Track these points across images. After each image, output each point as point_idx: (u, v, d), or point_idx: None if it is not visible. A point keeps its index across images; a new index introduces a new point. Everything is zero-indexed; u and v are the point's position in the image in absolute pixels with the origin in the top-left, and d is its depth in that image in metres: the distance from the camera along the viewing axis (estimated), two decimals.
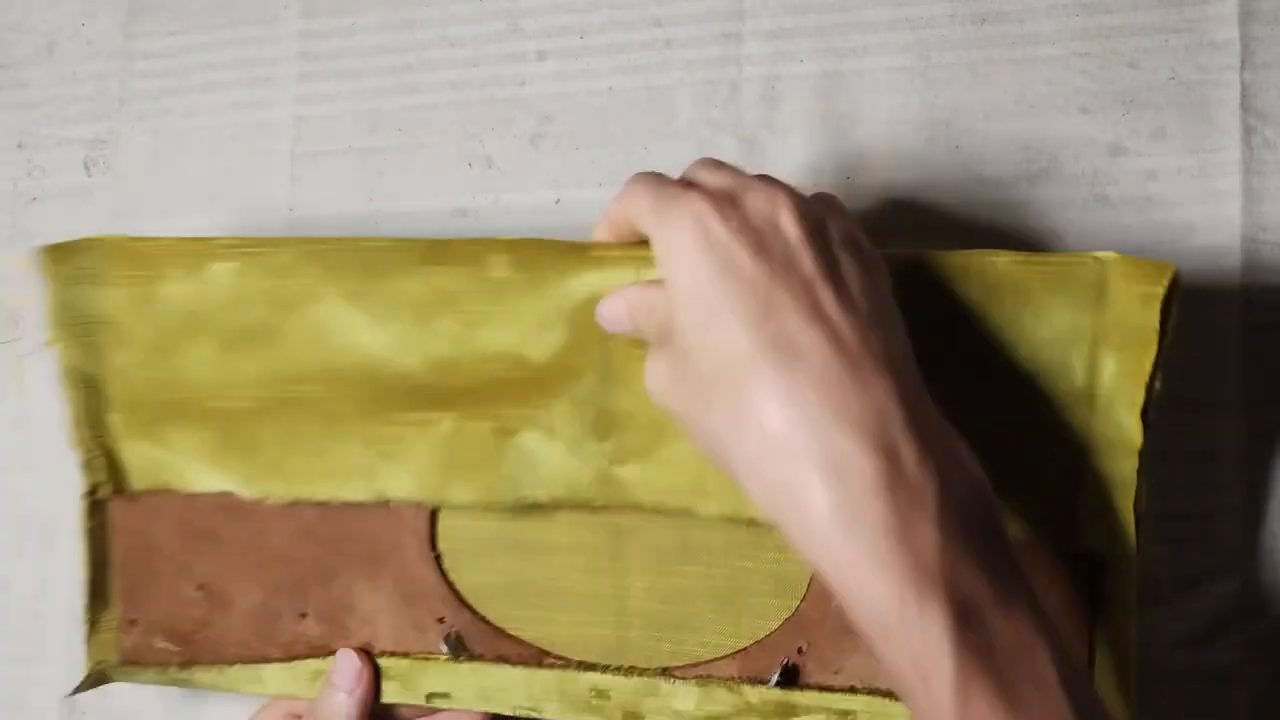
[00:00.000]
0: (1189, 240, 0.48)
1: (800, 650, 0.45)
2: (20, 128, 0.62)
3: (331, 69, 0.59)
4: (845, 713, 0.44)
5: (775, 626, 0.45)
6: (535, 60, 0.56)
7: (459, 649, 0.47)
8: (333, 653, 0.48)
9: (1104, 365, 0.41)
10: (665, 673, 0.46)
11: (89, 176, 0.61)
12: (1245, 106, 0.48)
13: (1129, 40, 0.50)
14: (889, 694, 0.44)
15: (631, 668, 0.46)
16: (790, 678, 0.45)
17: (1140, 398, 0.41)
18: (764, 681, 0.45)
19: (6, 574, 0.57)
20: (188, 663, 0.49)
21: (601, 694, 0.46)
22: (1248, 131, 0.48)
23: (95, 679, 0.50)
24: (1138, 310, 0.41)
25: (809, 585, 0.45)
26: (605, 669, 0.46)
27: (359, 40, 0.59)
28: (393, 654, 0.47)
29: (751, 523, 0.44)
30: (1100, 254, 0.41)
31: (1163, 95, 0.49)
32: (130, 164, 0.60)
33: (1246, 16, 0.49)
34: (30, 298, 0.60)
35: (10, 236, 0.61)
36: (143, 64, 0.61)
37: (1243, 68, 0.48)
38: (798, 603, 0.45)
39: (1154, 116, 0.49)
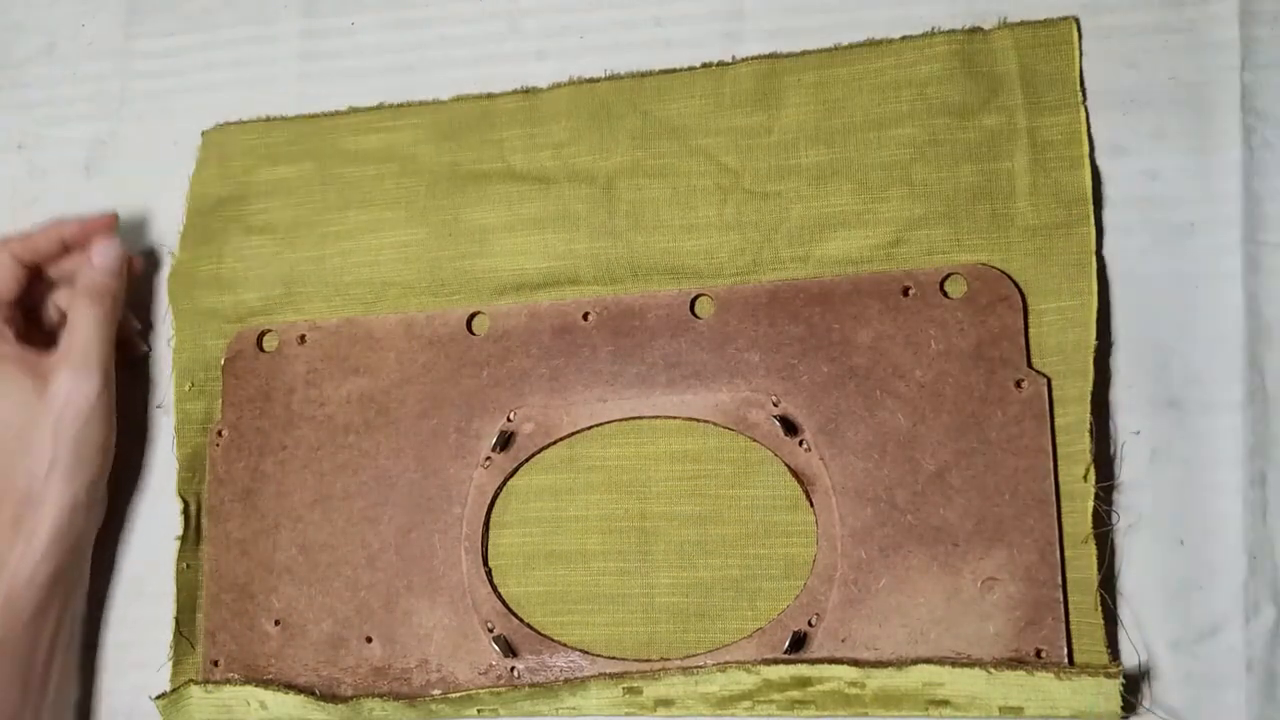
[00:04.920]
0: (1189, 240, 0.48)
1: (810, 623, 0.48)
2: (20, 128, 0.62)
3: (331, 69, 0.59)
4: (855, 683, 0.46)
5: (787, 605, 0.48)
6: (535, 60, 0.56)
7: (508, 651, 0.50)
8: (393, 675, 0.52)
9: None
10: (690, 660, 0.49)
11: (89, 177, 0.61)
12: (1245, 106, 0.48)
13: (1129, 40, 0.50)
14: (895, 664, 0.46)
15: (662, 659, 0.49)
16: (799, 645, 0.47)
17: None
18: (777, 652, 0.48)
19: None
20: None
21: (633, 689, 0.48)
22: (1248, 131, 0.48)
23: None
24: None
25: (814, 564, 0.48)
26: (637, 669, 0.49)
27: (359, 40, 0.59)
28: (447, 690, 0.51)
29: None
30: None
31: (1163, 95, 0.49)
32: (130, 164, 0.60)
33: (1246, 16, 0.49)
34: None
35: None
36: (143, 64, 0.61)
37: (1243, 68, 0.48)
38: (805, 581, 0.48)
39: (1154, 116, 0.49)
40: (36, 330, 0.55)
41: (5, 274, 0.53)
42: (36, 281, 0.55)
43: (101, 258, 0.52)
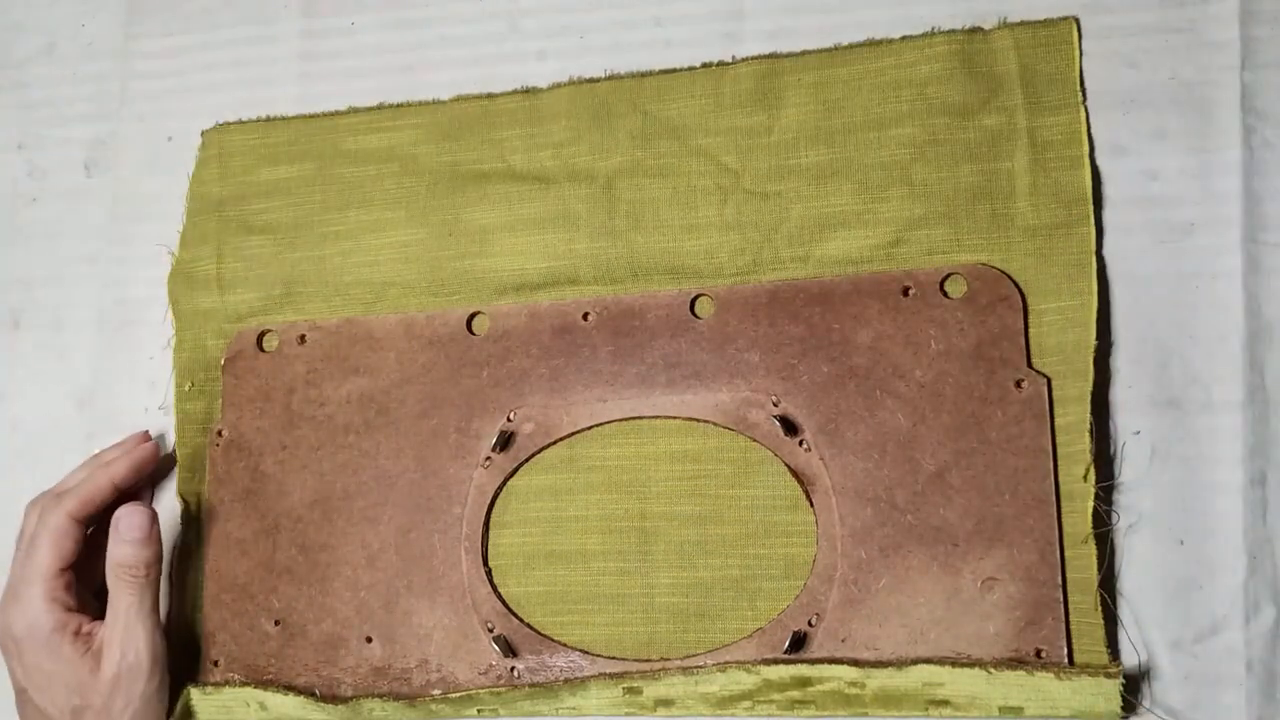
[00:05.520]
0: (1189, 240, 0.48)
1: (810, 623, 0.48)
2: (20, 128, 0.62)
3: (331, 69, 0.59)
4: (855, 683, 0.46)
5: (787, 605, 0.48)
6: (535, 60, 0.56)
7: (508, 651, 0.50)
8: (394, 674, 0.52)
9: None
10: (690, 660, 0.49)
11: (89, 177, 0.61)
12: (1245, 106, 0.48)
13: (1129, 40, 0.50)
14: (895, 664, 0.46)
15: (662, 659, 0.49)
16: (799, 645, 0.47)
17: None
18: (777, 652, 0.48)
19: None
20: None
21: (633, 689, 0.48)
22: (1248, 131, 0.48)
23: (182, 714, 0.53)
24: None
25: (814, 564, 0.48)
26: (637, 669, 0.49)
27: (359, 40, 0.59)
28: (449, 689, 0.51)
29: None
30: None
31: (1163, 95, 0.49)
32: (130, 164, 0.60)
33: (1246, 16, 0.49)
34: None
35: (10, 236, 0.61)
36: (143, 64, 0.61)
37: (1243, 68, 0.48)
38: (805, 581, 0.48)
39: (1154, 116, 0.49)
40: (93, 584, 0.53)
41: (64, 539, 0.51)
42: (93, 533, 0.53)
43: (128, 529, 0.50)
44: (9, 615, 0.51)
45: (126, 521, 0.51)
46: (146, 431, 0.56)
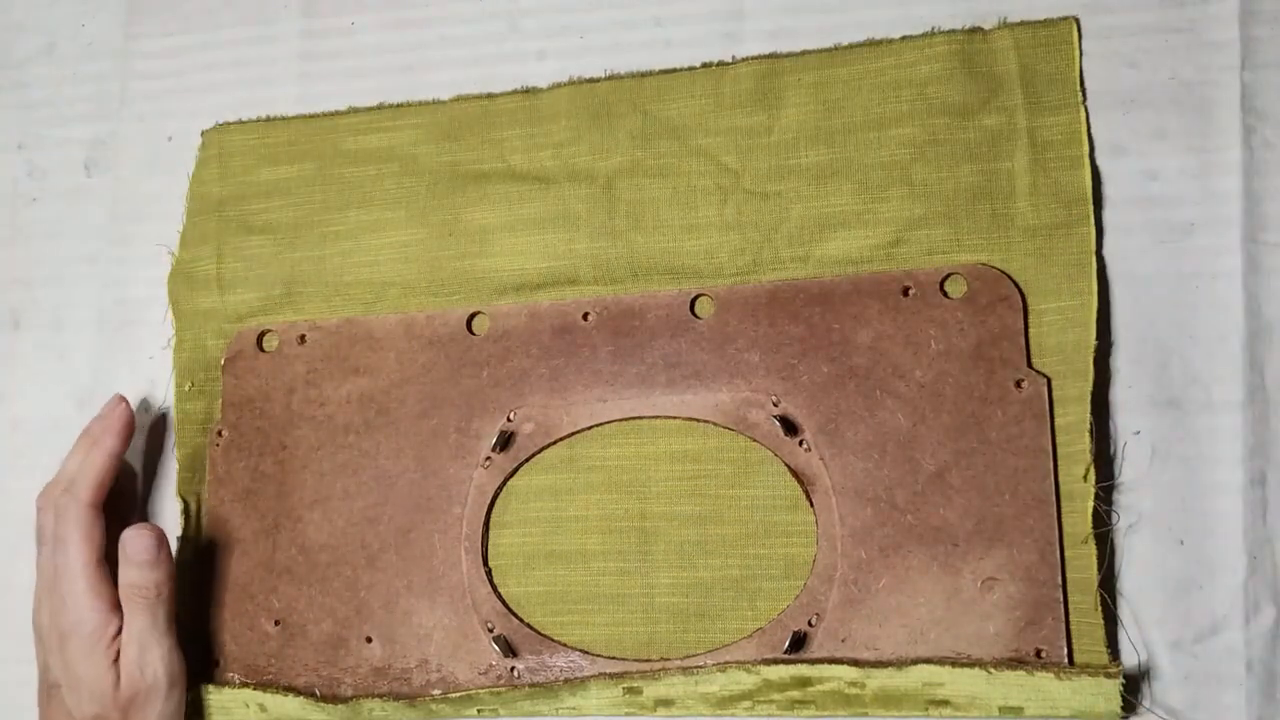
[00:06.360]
0: (1189, 240, 0.48)
1: (810, 623, 0.48)
2: (20, 128, 0.62)
3: (331, 69, 0.59)
4: (855, 683, 0.46)
5: (787, 605, 0.48)
6: (535, 60, 0.56)
7: (508, 651, 0.50)
8: (393, 674, 0.52)
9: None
10: (690, 660, 0.49)
11: (89, 177, 0.61)
12: (1245, 106, 0.48)
13: (1129, 40, 0.50)
14: (895, 664, 0.46)
15: (662, 659, 0.49)
16: (799, 645, 0.47)
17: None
18: (777, 652, 0.48)
19: (6, 574, 0.57)
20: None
21: (633, 689, 0.48)
22: (1248, 131, 0.48)
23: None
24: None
25: (814, 564, 0.48)
26: (637, 669, 0.49)
27: (359, 40, 0.59)
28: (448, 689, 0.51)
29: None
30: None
31: (1163, 95, 0.49)
32: (130, 164, 0.60)
33: (1246, 16, 0.49)
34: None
35: (10, 236, 0.61)
36: (143, 64, 0.61)
37: (1243, 68, 0.48)
38: (805, 581, 0.48)
39: (1154, 116, 0.49)
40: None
41: (92, 529, 0.51)
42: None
43: (135, 552, 0.50)
44: (56, 613, 0.51)
45: (133, 545, 0.50)
46: (119, 395, 0.55)
